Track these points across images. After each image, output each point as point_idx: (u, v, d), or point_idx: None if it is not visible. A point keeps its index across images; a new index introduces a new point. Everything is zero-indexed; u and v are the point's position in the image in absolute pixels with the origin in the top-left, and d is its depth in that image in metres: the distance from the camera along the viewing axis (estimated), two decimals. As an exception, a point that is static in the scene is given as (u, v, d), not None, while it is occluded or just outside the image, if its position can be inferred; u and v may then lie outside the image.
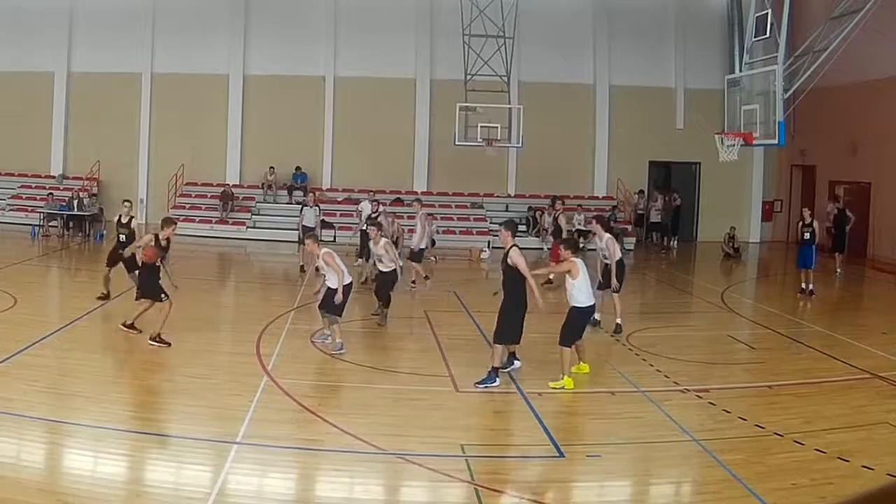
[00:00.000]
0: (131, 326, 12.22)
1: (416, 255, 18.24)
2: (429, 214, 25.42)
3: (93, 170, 28.52)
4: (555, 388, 10.38)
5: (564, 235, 19.37)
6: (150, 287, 12.13)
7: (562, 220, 19.79)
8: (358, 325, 14.91)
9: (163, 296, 11.99)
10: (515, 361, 11.22)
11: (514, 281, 10.64)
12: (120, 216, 15.04)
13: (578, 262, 10.87)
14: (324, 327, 12.57)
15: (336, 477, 7.97)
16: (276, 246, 25.40)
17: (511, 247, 10.78)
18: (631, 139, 29.20)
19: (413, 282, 17.69)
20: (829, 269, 21.90)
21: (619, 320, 13.70)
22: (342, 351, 11.74)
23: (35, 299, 15.42)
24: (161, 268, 12.32)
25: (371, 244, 14.48)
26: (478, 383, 10.47)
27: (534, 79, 28.55)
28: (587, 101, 29.69)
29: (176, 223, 13.11)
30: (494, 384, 10.45)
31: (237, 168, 29.46)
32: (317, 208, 20.48)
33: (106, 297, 14.73)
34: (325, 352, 12.01)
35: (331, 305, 11.98)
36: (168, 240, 12.60)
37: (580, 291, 10.75)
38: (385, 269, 14.09)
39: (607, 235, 14.17)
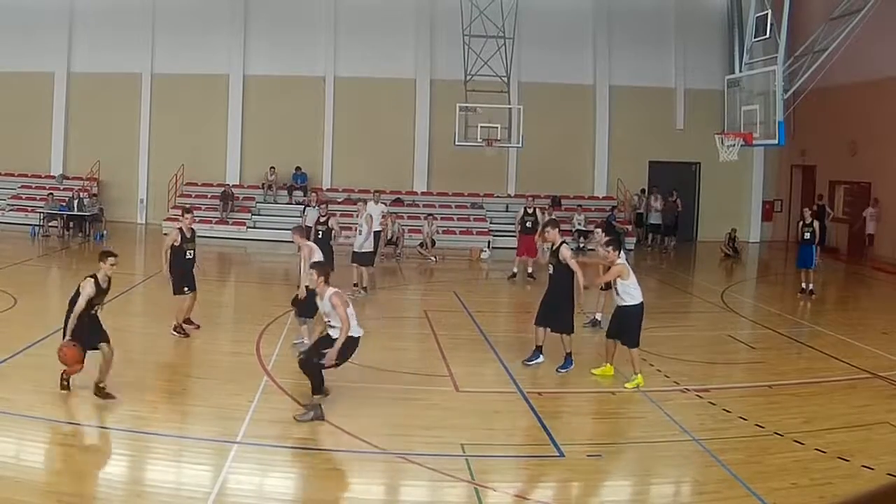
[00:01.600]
0: (188, 322, 12.87)
1: (361, 258, 16.99)
2: (429, 215, 25.51)
3: (93, 170, 28.52)
4: (630, 388, 10.58)
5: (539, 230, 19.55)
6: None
7: (539, 215, 19.77)
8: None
9: (185, 289, 12.68)
10: (541, 356, 11.62)
11: (564, 276, 11.29)
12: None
13: (624, 261, 11.20)
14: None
15: (336, 476, 7.98)
16: (277, 246, 25.38)
17: (561, 243, 11.47)
18: (631, 139, 29.21)
19: (363, 287, 16.86)
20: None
21: (600, 315, 13.96)
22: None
23: (35, 299, 15.42)
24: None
25: None
26: (559, 368, 11.31)
27: (534, 79, 28.55)
28: (587, 102, 29.69)
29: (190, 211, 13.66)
30: (572, 367, 11.29)
31: (237, 168, 29.47)
32: (320, 208, 20.33)
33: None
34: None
35: (308, 309, 11.71)
36: (192, 229, 13.01)
37: (631, 289, 10.87)
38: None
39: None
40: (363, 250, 16.91)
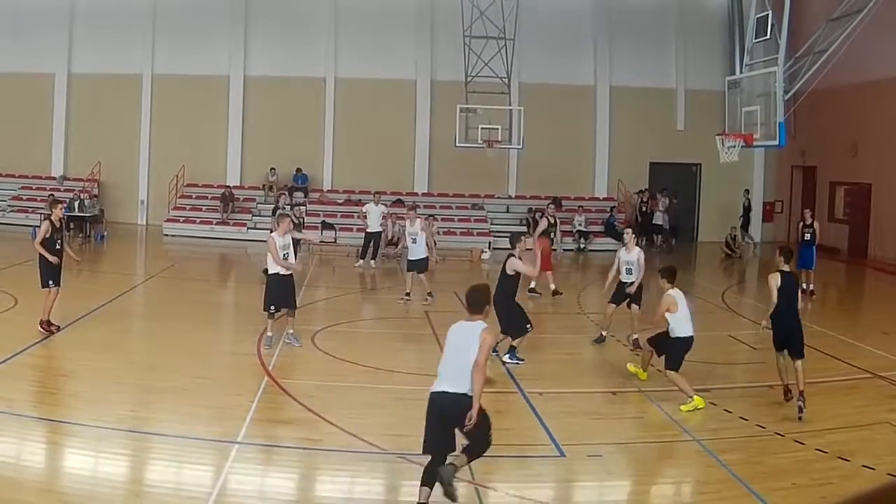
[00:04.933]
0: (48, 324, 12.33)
1: (416, 265, 16.67)
2: (430, 216, 25.45)
3: (94, 171, 28.54)
4: (688, 410, 9.74)
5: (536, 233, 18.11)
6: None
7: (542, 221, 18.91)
8: (357, 325, 14.96)
9: (51, 283, 12.30)
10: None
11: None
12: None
13: (675, 293, 10.39)
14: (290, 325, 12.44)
15: (336, 477, 7.98)
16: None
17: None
18: (631, 140, 29.19)
19: (428, 293, 16.60)
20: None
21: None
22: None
23: (36, 300, 15.39)
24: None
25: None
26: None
27: (534, 80, 28.54)
28: (588, 103, 29.68)
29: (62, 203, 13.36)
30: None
31: (238, 169, 29.47)
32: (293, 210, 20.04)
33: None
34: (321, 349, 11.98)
35: (284, 297, 12.26)
36: (61, 220, 12.73)
37: (679, 322, 10.23)
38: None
39: (638, 249, 13.35)
40: (418, 257, 16.63)
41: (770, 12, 17.53)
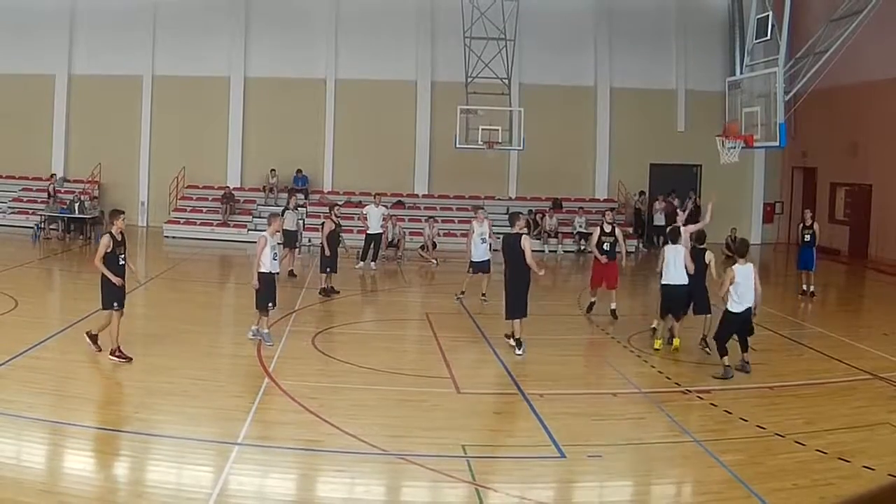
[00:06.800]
0: (94, 339, 11.35)
1: (482, 266, 16.75)
2: (430, 217, 25.50)
3: (94, 172, 28.55)
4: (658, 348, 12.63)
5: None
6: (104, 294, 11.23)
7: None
8: (357, 327, 14.96)
9: (115, 304, 11.09)
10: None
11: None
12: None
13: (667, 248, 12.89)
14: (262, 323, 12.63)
15: (337, 478, 7.97)
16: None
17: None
18: (632, 141, 29.21)
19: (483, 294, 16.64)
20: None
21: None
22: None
23: (36, 302, 15.43)
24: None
25: None
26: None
27: (535, 81, 28.57)
28: (588, 104, 29.70)
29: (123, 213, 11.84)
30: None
31: (238, 170, 29.50)
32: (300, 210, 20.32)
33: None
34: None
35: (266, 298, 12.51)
36: (122, 233, 11.39)
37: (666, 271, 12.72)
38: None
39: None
40: (484, 259, 16.86)
41: (770, 13, 17.52)
